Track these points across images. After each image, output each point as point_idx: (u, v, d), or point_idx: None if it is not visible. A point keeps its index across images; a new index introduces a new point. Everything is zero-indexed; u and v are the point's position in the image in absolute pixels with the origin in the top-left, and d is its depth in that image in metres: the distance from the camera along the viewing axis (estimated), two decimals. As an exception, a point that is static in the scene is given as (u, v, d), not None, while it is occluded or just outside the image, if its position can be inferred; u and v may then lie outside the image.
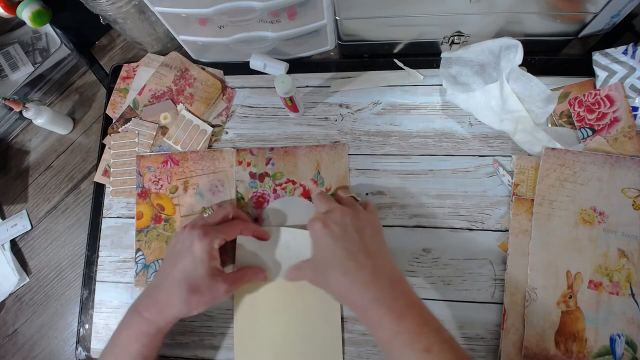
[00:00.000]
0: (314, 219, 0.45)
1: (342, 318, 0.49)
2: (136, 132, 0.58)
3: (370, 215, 0.46)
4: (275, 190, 0.54)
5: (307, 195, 0.53)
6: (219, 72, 0.60)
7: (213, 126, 0.57)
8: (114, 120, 0.60)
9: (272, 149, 0.55)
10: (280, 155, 0.55)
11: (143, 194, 0.56)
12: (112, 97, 0.61)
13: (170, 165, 0.56)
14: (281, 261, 0.50)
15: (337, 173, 0.54)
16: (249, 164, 0.55)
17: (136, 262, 0.54)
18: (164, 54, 0.61)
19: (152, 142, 0.58)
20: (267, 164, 0.55)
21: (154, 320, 0.43)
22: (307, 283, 0.46)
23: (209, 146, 0.57)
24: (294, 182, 0.54)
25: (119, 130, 0.59)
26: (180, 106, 0.58)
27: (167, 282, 0.44)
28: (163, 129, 0.58)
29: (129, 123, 0.59)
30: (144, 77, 0.61)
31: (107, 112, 0.61)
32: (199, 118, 0.57)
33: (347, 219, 0.43)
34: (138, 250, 0.54)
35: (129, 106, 0.60)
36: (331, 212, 0.45)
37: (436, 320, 0.39)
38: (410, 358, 0.36)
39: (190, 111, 0.58)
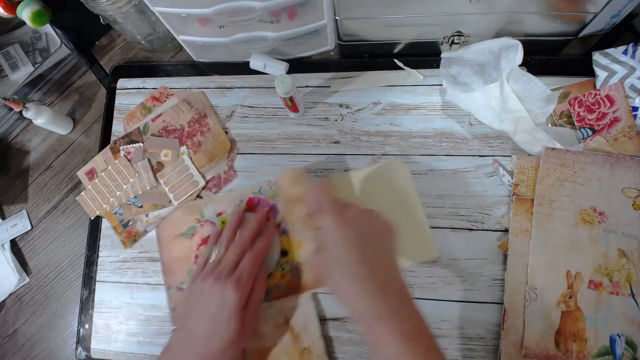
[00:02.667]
0: (325, 213, 0.40)
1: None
2: (137, 174, 0.56)
3: (389, 223, 0.41)
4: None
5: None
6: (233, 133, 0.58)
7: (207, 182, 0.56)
8: (118, 136, 0.58)
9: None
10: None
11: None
12: (134, 109, 0.60)
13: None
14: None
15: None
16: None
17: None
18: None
19: (141, 192, 0.56)
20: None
21: None
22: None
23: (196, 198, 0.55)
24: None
25: (120, 148, 0.58)
26: (183, 149, 0.56)
27: (194, 344, 0.41)
28: (159, 165, 0.57)
29: (132, 145, 0.57)
30: (168, 106, 0.59)
31: (123, 120, 0.60)
32: (197, 169, 0.56)
33: (364, 220, 0.39)
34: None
35: (138, 128, 0.58)
36: (347, 208, 0.40)
37: (439, 348, 0.36)
38: None
39: (191, 159, 0.56)
